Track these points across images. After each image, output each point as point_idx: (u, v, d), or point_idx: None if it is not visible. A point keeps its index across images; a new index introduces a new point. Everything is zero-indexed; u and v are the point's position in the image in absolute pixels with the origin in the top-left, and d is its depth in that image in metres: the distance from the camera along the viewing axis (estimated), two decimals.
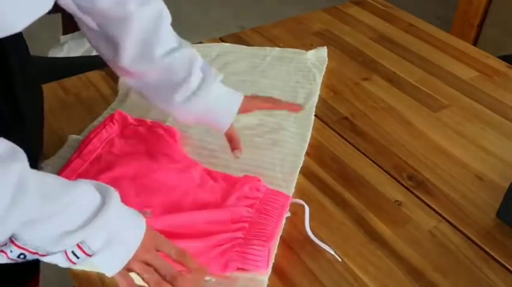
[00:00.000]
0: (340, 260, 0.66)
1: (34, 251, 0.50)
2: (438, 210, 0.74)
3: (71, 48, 1.67)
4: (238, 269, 0.63)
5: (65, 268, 0.60)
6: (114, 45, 0.71)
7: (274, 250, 0.66)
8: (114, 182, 0.71)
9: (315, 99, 0.95)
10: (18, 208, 0.47)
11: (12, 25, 0.45)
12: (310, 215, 0.71)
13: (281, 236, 0.68)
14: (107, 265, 0.56)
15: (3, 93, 0.65)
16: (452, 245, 0.69)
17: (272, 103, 0.82)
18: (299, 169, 0.79)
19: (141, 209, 0.60)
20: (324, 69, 1.04)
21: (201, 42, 1.11)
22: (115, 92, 0.94)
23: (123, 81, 0.95)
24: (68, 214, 0.52)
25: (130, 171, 0.74)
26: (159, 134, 0.80)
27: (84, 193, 0.54)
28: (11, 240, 0.49)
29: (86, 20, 0.69)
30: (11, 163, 0.47)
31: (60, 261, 0.53)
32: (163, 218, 0.66)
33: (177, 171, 0.75)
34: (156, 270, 0.57)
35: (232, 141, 0.78)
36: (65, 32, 1.73)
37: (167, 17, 0.73)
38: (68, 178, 0.60)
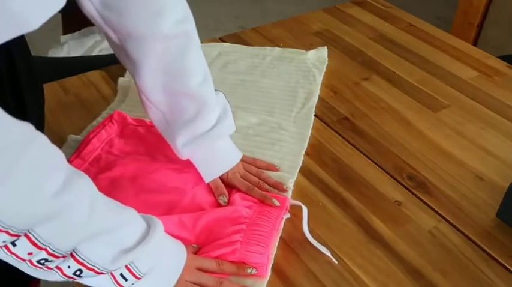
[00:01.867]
0: (336, 262, 0.66)
1: (92, 267, 0.51)
2: (438, 210, 0.74)
3: (71, 48, 1.67)
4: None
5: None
6: (134, 63, 0.68)
7: (274, 251, 0.66)
8: (114, 182, 0.71)
9: (315, 99, 0.95)
10: (91, 218, 0.50)
11: (28, 23, 0.45)
12: (310, 215, 0.71)
13: (281, 237, 0.68)
14: None
15: (11, 93, 0.65)
16: (452, 245, 0.69)
17: (254, 189, 0.73)
18: (298, 169, 0.79)
19: (141, 209, 0.61)
20: (324, 70, 1.04)
21: (201, 42, 1.10)
22: (115, 92, 0.94)
23: (122, 82, 0.95)
24: (124, 232, 0.53)
25: (130, 171, 0.73)
26: (159, 134, 0.80)
27: (133, 215, 0.56)
28: (72, 254, 0.49)
29: (108, 32, 0.66)
30: (80, 178, 0.50)
31: (108, 285, 0.54)
32: (162, 218, 0.66)
33: (176, 171, 0.74)
34: (204, 286, 0.60)
35: (217, 189, 0.74)
36: (65, 32, 1.73)
37: (194, 41, 0.69)
38: None
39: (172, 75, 0.68)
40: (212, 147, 0.72)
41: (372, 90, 0.99)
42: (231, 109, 0.74)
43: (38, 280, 0.88)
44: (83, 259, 0.50)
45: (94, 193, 0.52)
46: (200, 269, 0.61)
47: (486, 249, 0.68)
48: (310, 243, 0.67)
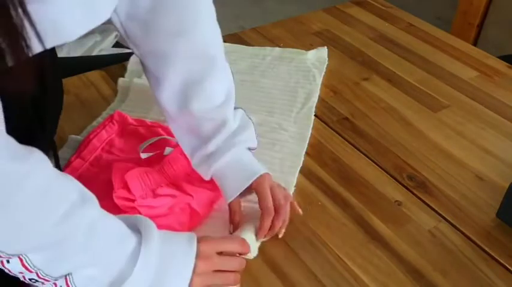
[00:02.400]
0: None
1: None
2: (438, 210, 0.74)
3: (71, 48, 1.67)
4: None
5: None
6: (153, 78, 0.67)
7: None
8: None
9: (315, 99, 0.95)
10: (86, 248, 0.49)
11: (68, 34, 0.45)
12: (310, 215, 0.71)
13: (281, 237, 0.68)
14: None
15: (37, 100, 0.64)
16: (452, 245, 0.69)
17: (264, 208, 0.66)
18: (299, 169, 0.79)
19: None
20: (324, 70, 1.04)
21: None
22: (115, 92, 0.94)
23: (122, 82, 0.95)
24: (116, 266, 0.51)
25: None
26: (159, 134, 0.80)
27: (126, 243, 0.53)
28: (66, 278, 0.49)
29: (130, 47, 0.65)
30: (84, 206, 0.49)
31: None
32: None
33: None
34: (222, 270, 0.58)
35: (232, 213, 0.70)
36: None
37: (218, 66, 0.67)
38: None
39: (190, 96, 0.66)
40: (231, 159, 0.68)
41: (372, 90, 0.99)
42: (252, 125, 0.72)
43: None
44: (75, 284, 0.50)
45: (94, 223, 0.50)
46: (220, 252, 0.59)
47: (486, 249, 0.68)
48: (310, 243, 0.68)
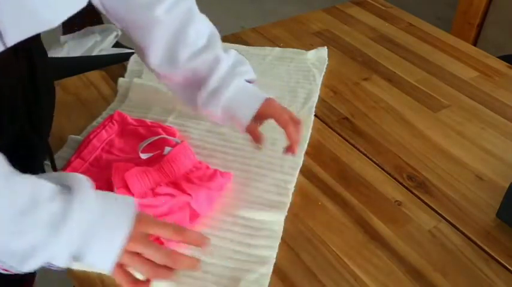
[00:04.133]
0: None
1: (6, 268, 0.48)
2: (438, 210, 0.74)
3: (71, 48, 1.67)
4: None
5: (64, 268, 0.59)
6: (141, 48, 0.72)
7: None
8: None
9: (315, 99, 0.94)
10: None
11: (49, 21, 0.46)
12: (310, 215, 0.71)
13: (281, 236, 0.68)
14: (97, 264, 0.51)
15: (31, 92, 0.65)
16: (452, 245, 0.69)
17: (285, 121, 0.73)
18: (299, 169, 0.79)
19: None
20: (324, 70, 1.04)
21: None
22: (115, 92, 0.94)
23: (122, 82, 0.95)
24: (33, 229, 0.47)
25: None
26: (159, 134, 0.80)
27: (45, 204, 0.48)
28: None
29: (115, 22, 0.72)
30: None
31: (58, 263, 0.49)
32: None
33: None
34: (149, 259, 0.53)
35: (254, 135, 0.76)
36: (65, 32, 1.73)
37: (196, 14, 0.73)
38: None
39: (176, 48, 0.71)
40: (237, 87, 0.72)
41: (372, 90, 0.99)
42: (247, 61, 0.76)
43: (32, 280, 0.88)
44: None
45: None
46: (151, 234, 0.54)
47: (486, 249, 0.68)
48: (310, 242, 0.68)
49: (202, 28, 0.74)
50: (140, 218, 0.52)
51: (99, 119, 0.86)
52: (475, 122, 0.91)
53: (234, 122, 0.75)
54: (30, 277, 0.87)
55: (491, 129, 0.90)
